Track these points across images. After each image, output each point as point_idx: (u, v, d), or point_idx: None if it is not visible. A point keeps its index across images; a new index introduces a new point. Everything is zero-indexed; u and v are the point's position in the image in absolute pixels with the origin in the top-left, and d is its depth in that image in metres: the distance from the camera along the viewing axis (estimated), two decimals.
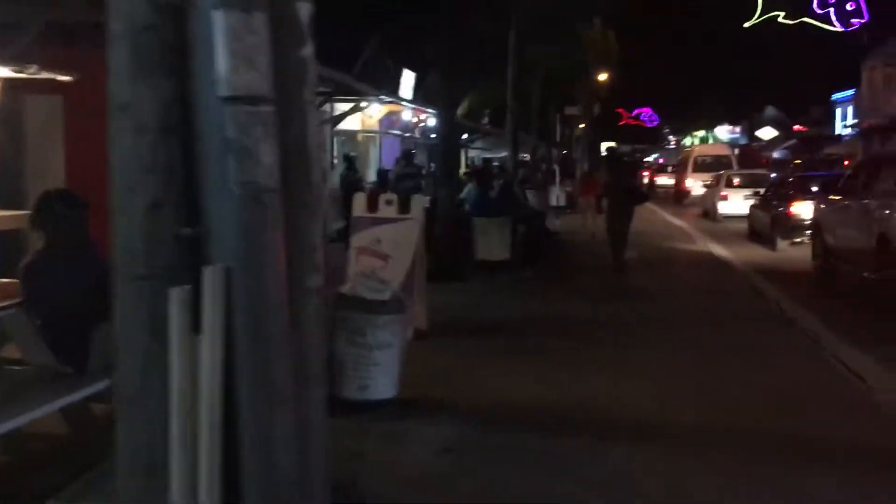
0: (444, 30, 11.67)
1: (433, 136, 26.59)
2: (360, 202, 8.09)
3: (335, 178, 16.84)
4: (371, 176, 17.45)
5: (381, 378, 5.45)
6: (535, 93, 24.36)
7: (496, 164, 31.49)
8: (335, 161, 17.29)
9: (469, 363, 7.15)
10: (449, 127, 11.57)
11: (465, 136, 32.52)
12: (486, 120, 32.93)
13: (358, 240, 7.95)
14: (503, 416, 5.68)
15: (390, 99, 16.96)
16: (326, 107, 16.97)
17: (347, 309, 5.40)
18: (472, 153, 39.35)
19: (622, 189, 13.17)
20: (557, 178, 23.85)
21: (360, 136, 19.92)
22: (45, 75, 6.77)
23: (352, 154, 17.04)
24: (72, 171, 9.87)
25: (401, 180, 14.80)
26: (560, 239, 17.31)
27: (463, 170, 30.44)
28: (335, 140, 18.19)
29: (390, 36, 19.34)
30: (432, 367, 6.94)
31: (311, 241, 2.66)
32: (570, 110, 32.50)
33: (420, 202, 7.97)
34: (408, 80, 19.85)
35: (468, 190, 16.78)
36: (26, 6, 7.20)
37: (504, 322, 8.97)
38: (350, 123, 18.79)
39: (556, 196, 22.93)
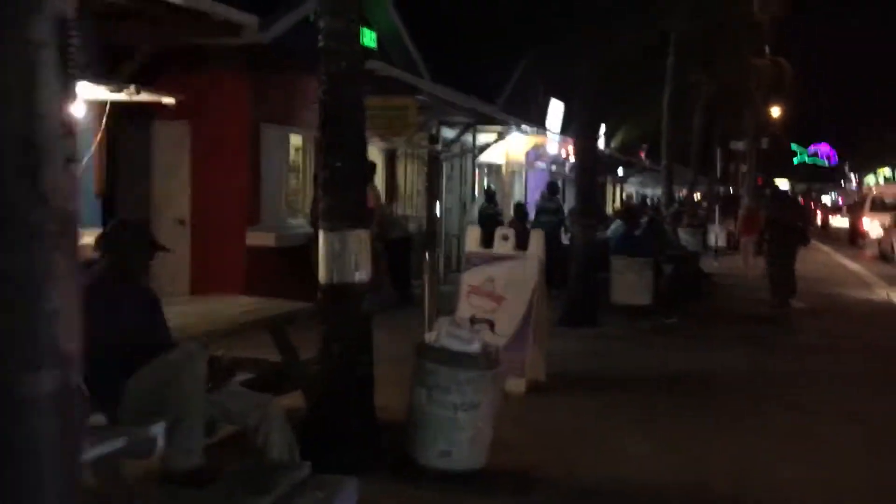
0: (590, 51, 10.79)
1: None
2: (473, 236, 7.34)
3: (474, 212, 16.21)
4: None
5: (465, 444, 4.63)
6: (695, 124, 22.89)
7: (649, 201, 30.03)
8: (476, 194, 16.68)
9: (585, 424, 6.18)
10: (588, 157, 10.64)
11: (620, 170, 31.28)
12: (643, 154, 31.50)
13: (469, 277, 7.20)
14: (614, 499, 4.70)
15: (533, 129, 16.21)
16: (468, 137, 16.46)
17: (430, 361, 4.63)
18: (629, 188, 37.89)
19: (782, 227, 12.01)
20: (717, 217, 22.12)
21: (504, 169, 19.26)
22: (145, 97, 6.53)
23: (492, 187, 16.37)
24: (196, 196, 9.78)
25: (540, 215, 13.94)
26: (715, 282, 15.80)
27: (617, 206, 29.24)
28: (477, 171, 17.60)
29: (539, 62, 18.61)
30: (540, 427, 6.04)
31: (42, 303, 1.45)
32: (736, 145, 30.45)
33: (540, 240, 7.12)
34: (556, 110, 19.05)
35: (615, 227, 15.72)
36: (136, 30, 7.07)
37: (635, 375, 7.89)
38: (494, 156, 18.18)
39: (716, 235, 21.24)
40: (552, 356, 7.92)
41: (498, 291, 7.06)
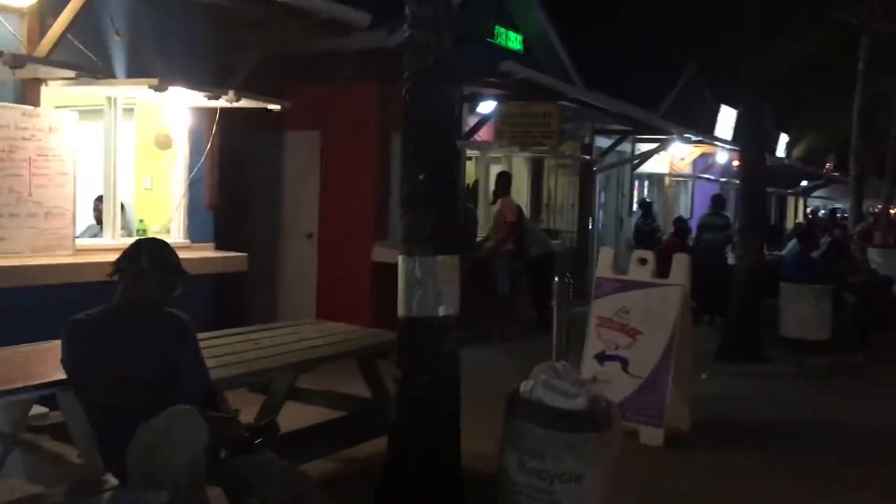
0: (756, 50, 9.48)
1: None
2: (605, 259, 6.36)
3: (630, 227, 15.04)
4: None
5: None
6: (892, 131, 20.35)
7: (839, 214, 27.26)
8: (634, 207, 15.46)
9: (733, 491, 5.07)
10: (756, 167, 9.31)
11: (804, 182, 28.69)
12: (830, 165, 28.74)
13: (600, 308, 6.23)
14: None
15: (698, 138, 14.81)
16: (626, 146, 15.31)
17: (521, 419, 3.76)
18: (814, 202, 34.83)
19: None
20: None
21: (667, 181, 17.87)
22: (245, 103, 6.07)
23: (647, 200, 15.09)
24: (324, 209, 9.37)
25: (703, 231, 12.58)
26: None
27: (799, 221, 26.76)
28: (636, 183, 16.36)
29: (706, 66, 17.10)
30: (675, 492, 5.00)
31: None
32: None
33: (684, 264, 6.04)
34: (727, 117, 17.46)
35: (791, 247, 14.00)
36: (249, 37, 6.68)
37: (805, 429, 6.58)
38: (656, 166, 16.87)
39: None
40: (702, 398, 6.82)
41: (633, 324, 6.06)
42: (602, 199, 15.52)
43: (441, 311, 3.98)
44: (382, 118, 8.96)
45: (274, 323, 5.54)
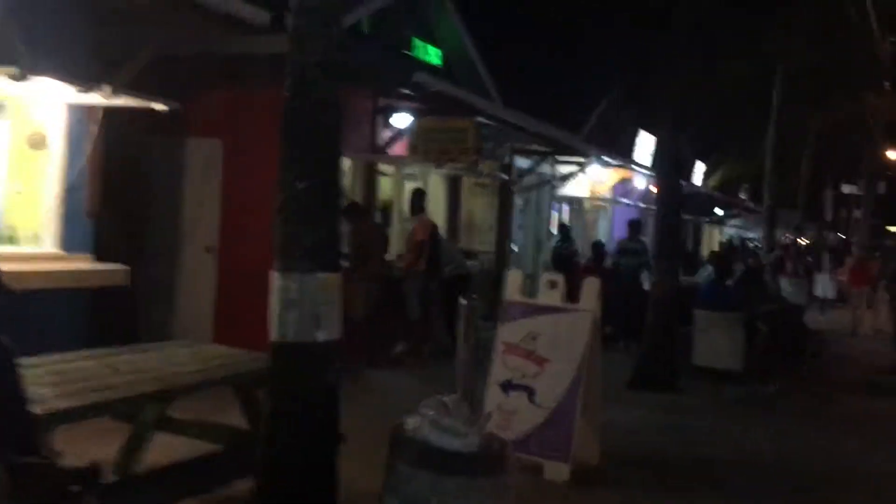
0: (684, 80, 9.39)
1: None
2: (513, 282, 6.00)
3: (549, 250, 14.83)
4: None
5: None
6: (803, 165, 20.89)
7: (752, 244, 27.84)
8: (553, 230, 15.27)
9: None
10: (672, 195, 9.16)
11: (719, 211, 29.25)
12: (744, 195, 29.39)
13: (506, 333, 5.85)
14: None
15: (617, 162, 14.75)
16: (546, 168, 15.15)
17: (404, 462, 3.32)
18: (728, 230, 35.59)
19: None
20: (828, 265, 19.97)
21: (587, 204, 17.80)
22: (126, 101, 5.52)
23: (567, 224, 14.93)
24: (227, 220, 8.79)
25: (621, 256, 12.43)
26: (822, 339, 13.86)
27: (715, 248, 27.19)
28: (555, 206, 16.20)
29: (629, 92, 17.16)
30: None
31: None
32: (848, 188, 27.99)
33: (594, 289, 5.72)
34: (645, 143, 17.53)
35: (707, 274, 14.01)
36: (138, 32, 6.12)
37: (717, 463, 6.33)
38: (576, 189, 16.76)
39: (823, 286, 19.11)
40: (613, 429, 6.49)
41: (540, 352, 5.70)
42: (521, 221, 15.31)
43: (320, 337, 3.53)
44: None
45: (144, 344, 4.97)
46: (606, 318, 12.80)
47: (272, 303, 3.53)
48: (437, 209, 11.74)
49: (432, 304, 9.97)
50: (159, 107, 5.86)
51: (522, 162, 14.11)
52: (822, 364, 11.64)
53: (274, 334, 3.52)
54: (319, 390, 3.54)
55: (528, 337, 5.76)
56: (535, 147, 13.82)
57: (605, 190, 17.83)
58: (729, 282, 10.02)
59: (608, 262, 13.01)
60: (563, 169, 15.13)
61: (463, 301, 6.42)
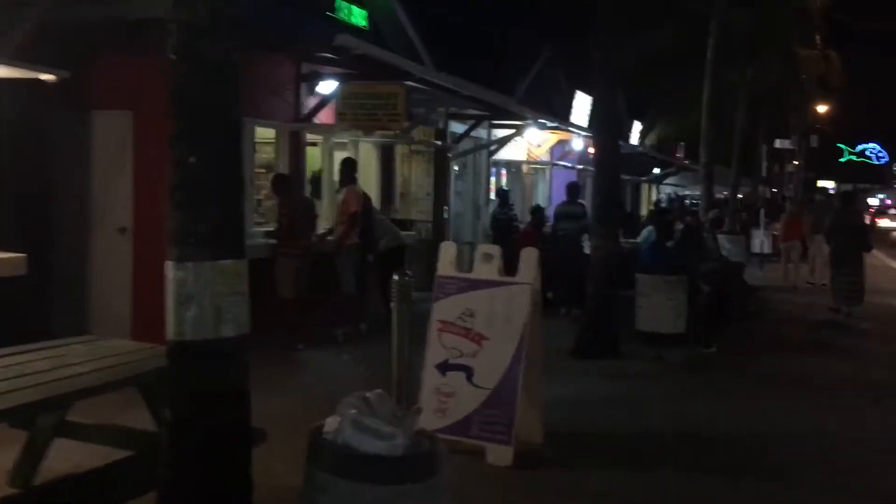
0: (617, 36, 9.08)
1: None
2: (447, 255, 5.63)
3: (488, 217, 14.52)
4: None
5: None
6: (737, 121, 20.88)
7: (689, 202, 27.99)
8: (491, 196, 14.93)
9: None
10: (609, 154, 8.88)
11: (656, 170, 29.33)
12: (680, 153, 29.48)
13: (441, 310, 5.50)
14: None
15: (553, 124, 14.46)
16: (482, 132, 14.78)
17: (323, 468, 2.95)
18: (665, 189, 35.82)
19: (849, 232, 11.81)
20: (763, 221, 20.11)
21: (525, 168, 17.51)
22: (6, 72, 4.94)
23: (504, 189, 14.61)
24: (141, 198, 8.22)
25: (559, 221, 12.17)
26: (762, 297, 13.92)
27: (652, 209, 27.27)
28: (493, 171, 15.88)
29: (563, 51, 16.82)
30: None
31: None
32: (781, 143, 28.30)
33: (533, 260, 5.40)
34: (582, 104, 17.26)
35: (646, 234, 13.87)
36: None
37: (663, 436, 6.11)
38: (513, 153, 16.45)
39: (761, 242, 19.26)
40: (557, 403, 6.26)
41: (478, 328, 5.37)
42: (459, 188, 14.94)
43: (224, 332, 3.12)
44: None
45: (39, 342, 4.47)
46: (548, 285, 12.75)
47: (168, 297, 3.10)
48: (369, 179, 11.29)
49: (368, 278, 9.58)
50: (47, 77, 5.28)
51: (457, 127, 13.71)
52: (763, 322, 11.62)
53: (170, 333, 3.09)
54: (226, 393, 3.13)
55: (464, 314, 5.42)
56: (470, 111, 13.43)
57: (542, 153, 17.56)
58: (670, 243, 9.81)
59: (547, 227, 12.78)
60: (500, 133, 14.79)
61: (395, 277, 6.08)
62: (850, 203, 13.30)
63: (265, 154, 9.77)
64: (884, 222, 39.73)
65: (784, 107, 26.35)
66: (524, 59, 16.40)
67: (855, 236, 11.99)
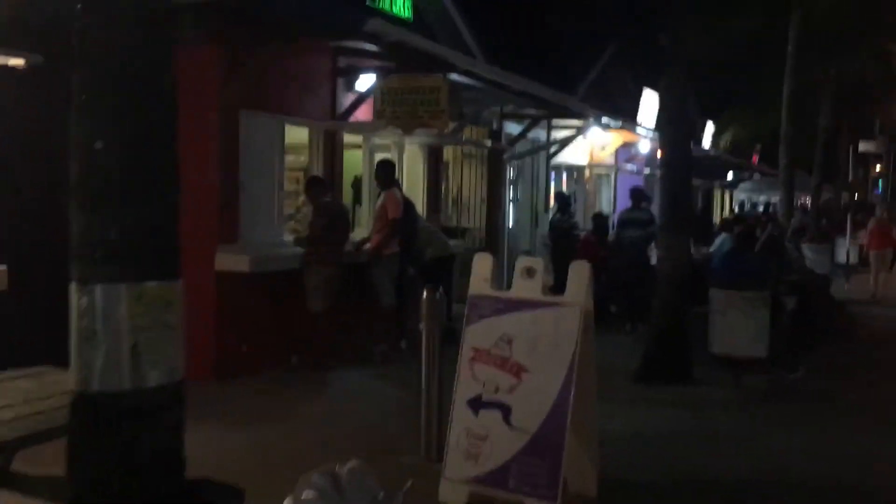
0: (690, 22, 8.10)
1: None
2: (481, 269, 4.72)
3: (545, 225, 13.55)
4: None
5: None
6: (820, 122, 19.44)
7: (770, 209, 26.40)
8: (551, 202, 13.93)
9: None
10: (680, 156, 7.85)
11: (730, 175, 27.81)
12: (756, 156, 27.91)
13: (474, 336, 4.60)
14: None
15: (618, 124, 13.40)
16: (541, 134, 13.83)
17: None
18: (740, 195, 34.12)
19: None
20: (849, 228, 18.58)
21: (587, 172, 16.45)
22: None
23: (565, 193, 13.60)
24: None
25: (624, 228, 11.14)
26: (850, 312, 12.58)
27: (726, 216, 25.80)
28: (553, 175, 14.89)
29: (631, 46, 15.71)
30: None
31: None
32: (867, 146, 26.46)
33: (584, 275, 4.45)
34: (649, 103, 16.14)
35: (720, 243, 12.69)
36: None
37: (746, 486, 5.08)
38: (575, 156, 15.43)
39: (847, 251, 17.76)
40: (617, 438, 5.35)
41: (517, 358, 4.45)
42: (516, 193, 14.02)
43: (146, 381, 2.29)
44: (226, 91, 7.19)
45: None
46: (611, 297, 11.76)
47: (71, 333, 2.29)
48: (415, 183, 10.46)
49: (411, 291, 8.72)
50: (15, 62, 4.58)
51: (513, 128, 12.80)
52: (854, 341, 10.36)
53: (73, 380, 2.28)
54: (151, 465, 2.31)
55: (501, 340, 4.51)
56: (527, 111, 12.51)
57: (607, 156, 16.49)
58: (747, 254, 8.67)
59: (611, 235, 11.77)
60: (560, 134, 13.81)
61: (427, 293, 5.21)
62: None
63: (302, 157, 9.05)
64: None
65: (870, 107, 24.64)
66: (588, 56, 15.36)
67: None
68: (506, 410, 4.42)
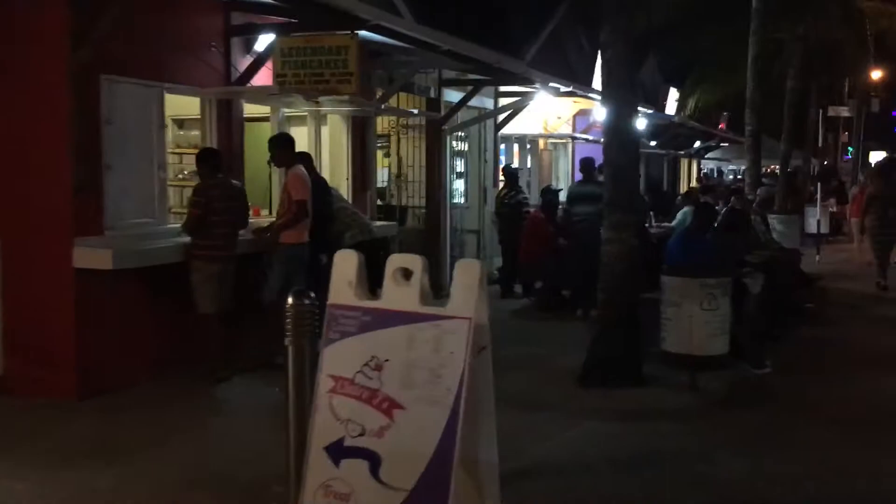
0: None
1: (651, 143, 21.39)
2: (343, 270, 3.58)
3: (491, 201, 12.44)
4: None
5: None
6: (789, 83, 18.40)
7: (734, 176, 25.45)
8: (501, 179, 12.75)
9: None
10: (624, 117, 6.72)
11: (697, 143, 26.82)
12: (723, 124, 26.94)
13: (333, 360, 3.47)
14: None
15: (568, 89, 12.26)
16: (488, 102, 12.67)
17: None
18: (708, 164, 33.25)
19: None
20: (819, 197, 17.63)
21: (541, 143, 15.32)
22: None
23: (512, 167, 12.42)
24: None
25: (574, 204, 10.06)
26: (823, 287, 11.63)
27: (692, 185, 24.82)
28: (503, 147, 13.73)
29: (582, 5, 14.53)
30: None
31: None
32: (838, 110, 25.50)
33: (473, 278, 3.32)
34: None
35: (682, 217, 11.66)
36: None
37: None
38: (529, 126, 14.29)
39: (817, 221, 16.81)
40: (545, 471, 4.29)
41: (388, 390, 3.33)
42: (462, 167, 12.87)
43: None
44: (81, 56, 5.95)
45: None
46: (563, 280, 10.71)
47: None
48: (339, 160, 9.27)
49: (323, 282, 7.57)
50: None
51: (455, 96, 11.63)
52: (828, 324, 9.39)
53: None
54: None
55: (368, 366, 3.39)
56: (470, 77, 11.35)
57: (560, 125, 15.37)
58: (708, 234, 7.59)
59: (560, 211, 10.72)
60: (509, 102, 12.65)
61: (293, 299, 4.08)
62: (891, 173, 13.00)
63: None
64: None
65: (839, 69, 23.68)
66: (538, 14, 14.16)
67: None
68: (374, 460, 3.31)
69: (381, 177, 11.90)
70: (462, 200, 12.76)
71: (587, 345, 6.73)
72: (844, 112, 24.66)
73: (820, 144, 24.08)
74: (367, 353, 3.40)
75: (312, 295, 4.10)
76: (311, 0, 6.76)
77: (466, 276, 3.33)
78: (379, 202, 11.44)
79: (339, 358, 3.46)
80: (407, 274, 3.45)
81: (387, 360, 3.36)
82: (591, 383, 6.43)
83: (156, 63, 6.71)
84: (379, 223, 9.34)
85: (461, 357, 3.24)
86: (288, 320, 4.01)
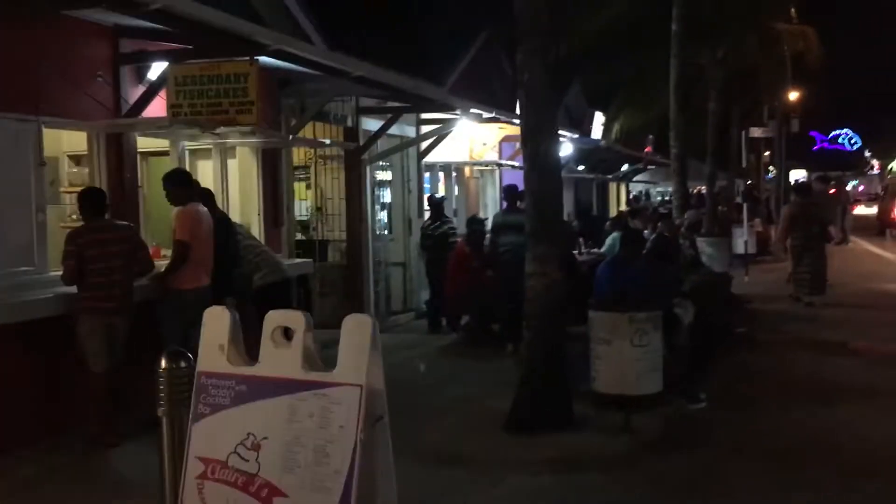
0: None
1: (579, 167, 21.28)
2: (214, 328, 3.06)
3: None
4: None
5: None
6: (711, 105, 18.50)
7: (660, 198, 25.57)
8: (426, 209, 12.31)
9: None
10: (544, 143, 6.35)
11: (624, 167, 26.93)
12: (649, 147, 27.10)
13: (204, 438, 2.95)
14: None
15: (490, 115, 11.94)
16: (409, 130, 12.26)
17: None
18: (637, 187, 33.47)
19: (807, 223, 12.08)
20: (745, 217, 17.66)
21: (467, 171, 14.97)
22: None
23: (437, 196, 12.00)
24: None
25: (500, 234, 9.66)
26: (753, 310, 11.48)
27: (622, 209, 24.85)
28: (427, 176, 13.30)
29: (505, 30, 14.30)
30: None
31: None
32: (758, 131, 25.92)
33: (363, 337, 2.84)
34: None
35: (612, 243, 11.41)
36: None
37: None
38: (454, 154, 13.92)
39: (745, 242, 16.79)
40: None
41: (266, 474, 2.82)
42: (386, 198, 12.41)
43: None
44: None
45: None
46: (491, 314, 10.28)
47: None
48: (250, 196, 8.72)
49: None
50: None
51: (374, 125, 11.19)
52: (761, 349, 9.16)
53: None
54: None
55: (244, 445, 2.87)
56: (389, 105, 10.94)
57: (486, 152, 15.06)
58: (636, 264, 7.25)
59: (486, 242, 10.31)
60: (430, 129, 12.27)
61: (166, 360, 3.54)
62: (808, 194, 13.08)
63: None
64: (859, 209, 37.81)
65: (759, 90, 24.07)
66: (460, 40, 13.87)
67: (816, 228, 12.21)
68: None
69: (303, 209, 11.38)
70: (386, 232, 12.29)
71: (517, 385, 6.30)
72: (760, 133, 25.04)
73: (744, 165, 24.37)
74: (243, 429, 2.89)
75: (190, 357, 3.56)
76: (205, 24, 6.25)
77: (356, 335, 2.85)
78: (302, 237, 10.92)
79: (210, 436, 2.93)
80: (286, 333, 2.94)
81: (265, 438, 2.85)
82: (519, 429, 5.98)
83: (32, 95, 6.09)
84: (295, 261, 8.79)
85: (352, 432, 2.75)
86: (161, 387, 3.47)
